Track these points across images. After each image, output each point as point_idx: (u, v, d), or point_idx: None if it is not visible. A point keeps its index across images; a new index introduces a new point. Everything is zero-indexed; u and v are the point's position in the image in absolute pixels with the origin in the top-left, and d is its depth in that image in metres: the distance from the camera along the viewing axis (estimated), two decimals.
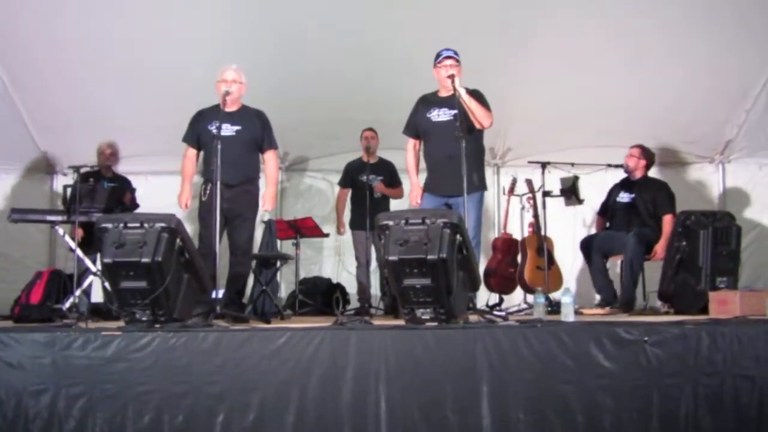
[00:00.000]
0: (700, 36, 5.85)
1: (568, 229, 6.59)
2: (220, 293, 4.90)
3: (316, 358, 3.49)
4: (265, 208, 5.27)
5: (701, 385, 3.38)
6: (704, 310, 4.72)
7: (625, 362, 3.39)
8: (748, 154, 6.92)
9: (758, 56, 6.02)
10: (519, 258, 6.28)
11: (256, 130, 5.20)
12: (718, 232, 4.98)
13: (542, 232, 6.10)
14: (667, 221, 5.74)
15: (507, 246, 6.36)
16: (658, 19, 5.74)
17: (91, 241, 5.54)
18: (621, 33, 5.86)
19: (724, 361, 3.39)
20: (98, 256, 5.00)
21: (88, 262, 5.51)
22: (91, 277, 5.55)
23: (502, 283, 6.29)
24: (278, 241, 6.46)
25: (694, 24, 5.76)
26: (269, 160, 5.30)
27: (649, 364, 3.39)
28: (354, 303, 6.63)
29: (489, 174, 7.16)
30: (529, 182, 6.30)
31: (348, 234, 6.73)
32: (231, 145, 4.93)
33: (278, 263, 5.91)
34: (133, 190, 6.32)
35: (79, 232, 5.59)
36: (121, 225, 3.88)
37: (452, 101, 4.93)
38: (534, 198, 6.24)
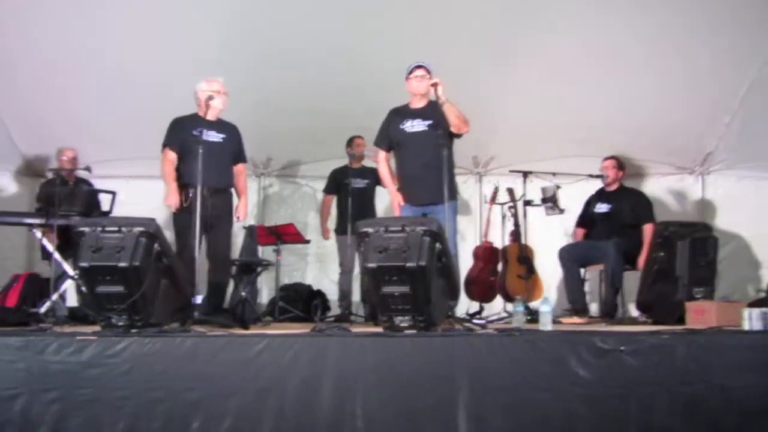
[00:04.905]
0: (680, 48, 5.88)
1: (549, 239, 6.59)
2: (200, 299, 4.88)
3: (293, 365, 3.47)
4: (241, 218, 5.37)
5: (677, 395, 3.40)
6: (681, 320, 4.73)
7: (602, 371, 3.40)
8: (727, 166, 6.98)
9: (737, 69, 6.07)
10: (500, 266, 6.29)
11: (236, 142, 5.34)
12: (695, 243, 5.00)
13: (523, 241, 6.12)
14: (648, 230, 5.79)
15: (488, 254, 6.39)
16: (638, 31, 5.77)
17: (70, 245, 5.49)
18: (602, 45, 5.89)
19: (699, 370, 3.42)
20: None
21: (65, 266, 5.46)
22: (68, 281, 5.50)
23: (483, 291, 6.31)
24: (259, 248, 6.45)
25: (673, 36, 5.79)
26: (242, 173, 5.45)
27: (625, 374, 3.41)
28: (335, 310, 6.61)
29: (471, 182, 7.28)
30: (510, 191, 6.33)
31: (331, 240, 6.73)
32: (217, 151, 5.07)
33: (258, 269, 5.89)
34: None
35: (53, 237, 5.53)
36: (99, 229, 3.85)
37: (427, 112, 4.99)
38: (515, 207, 6.26)
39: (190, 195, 4.96)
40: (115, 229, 3.84)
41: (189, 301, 4.47)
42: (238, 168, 5.39)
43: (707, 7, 5.56)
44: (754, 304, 4.29)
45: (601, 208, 6.15)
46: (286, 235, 6.38)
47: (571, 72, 6.08)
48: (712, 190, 7.09)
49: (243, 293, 5.49)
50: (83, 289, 4.85)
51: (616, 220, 6.02)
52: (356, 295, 6.50)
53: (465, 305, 6.37)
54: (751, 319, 3.91)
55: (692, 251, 4.97)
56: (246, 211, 5.41)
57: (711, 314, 4.42)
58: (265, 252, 6.68)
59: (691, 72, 6.08)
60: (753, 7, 5.49)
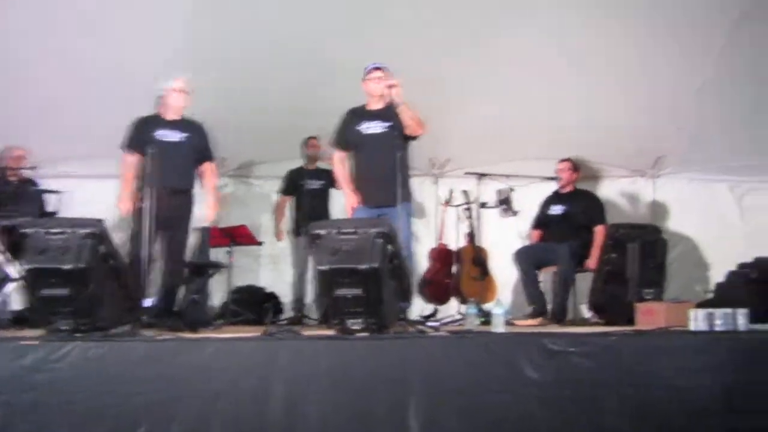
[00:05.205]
0: (635, 51, 5.97)
1: (504, 240, 6.65)
2: (149, 302, 4.81)
3: (244, 370, 3.43)
4: (209, 219, 5.31)
5: (625, 396, 3.43)
6: (632, 321, 4.81)
7: (552, 373, 3.43)
8: (678, 169, 7.12)
9: (689, 74, 6.18)
10: (454, 268, 6.32)
11: (201, 141, 5.27)
12: (645, 245, 5.10)
13: (477, 243, 6.16)
14: (599, 232, 5.86)
15: (443, 256, 6.41)
16: (593, 34, 5.84)
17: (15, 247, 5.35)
18: (557, 47, 5.93)
19: (646, 371, 3.46)
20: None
21: (8, 268, 5.31)
22: (13, 284, 5.35)
23: (438, 293, 6.33)
24: (212, 249, 6.37)
25: (629, 39, 5.87)
26: (209, 171, 5.36)
27: (575, 375, 3.44)
28: (289, 312, 6.56)
29: (427, 184, 7.28)
30: (465, 193, 6.36)
31: (286, 242, 6.69)
32: (179, 151, 5.05)
33: (210, 272, 5.81)
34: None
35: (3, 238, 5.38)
36: (44, 230, 3.75)
37: (385, 114, 4.98)
38: (470, 209, 6.30)
39: (147, 195, 4.88)
40: (60, 230, 3.75)
41: (138, 304, 4.39)
42: (205, 167, 5.32)
43: (660, 10, 5.64)
44: (701, 305, 4.39)
45: (556, 210, 6.23)
46: (239, 236, 6.31)
47: (528, 75, 6.12)
48: (663, 192, 7.22)
49: (194, 296, 5.41)
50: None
51: (571, 222, 6.09)
52: (310, 298, 6.47)
53: (420, 307, 6.39)
54: (696, 320, 3.98)
55: (642, 253, 5.06)
56: (213, 210, 5.30)
57: (660, 315, 4.50)
58: (218, 254, 6.60)
59: (645, 75, 6.17)
60: (704, 8, 5.60)
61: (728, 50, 5.84)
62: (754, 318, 4.06)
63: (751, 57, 5.90)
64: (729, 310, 3.96)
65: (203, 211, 5.28)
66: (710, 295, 5.88)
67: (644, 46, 5.89)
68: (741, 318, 3.95)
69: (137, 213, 4.90)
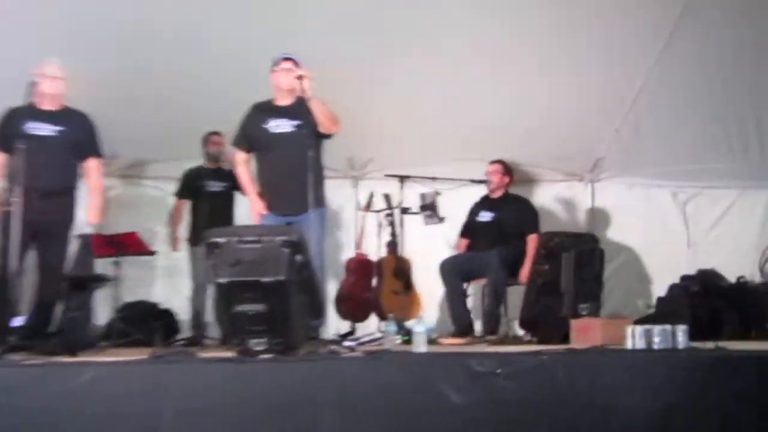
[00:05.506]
0: (569, 50, 6.15)
1: (430, 250, 6.71)
2: (19, 321, 4.66)
3: (127, 398, 3.35)
4: (92, 221, 5.18)
5: (557, 419, 3.52)
6: (567, 338, 4.93)
7: (476, 396, 3.48)
8: (617, 173, 7.37)
9: (627, 73, 6.41)
10: (374, 281, 6.34)
11: (81, 134, 5.12)
12: (581, 255, 5.23)
13: (400, 253, 6.20)
14: (532, 241, 5.98)
15: (361, 268, 6.41)
16: (526, 31, 5.98)
17: None
18: (487, 43, 6.05)
19: (580, 393, 3.56)
20: None
21: None
22: None
23: (356, 309, 6.33)
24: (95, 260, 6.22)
25: (562, 38, 6.04)
26: (94, 169, 5.22)
27: (501, 399, 3.50)
28: (187, 331, 6.45)
29: (346, 187, 7.29)
30: (387, 197, 6.38)
31: (183, 252, 6.58)
32: (52, 147, 4.90)
33: (93, 286, 5.66)
34: None
35: None
36: None
37: (294, 110, 4.97)
38: (392, 215, 6.33)
39: (14, 198, 4.72)
40: None
41: (5, 324, 4.25)
42: (89, 164, 5.18)
43: (596, 7, 5.82)
44: (639, 321, 4.54)
45: (485, 216, 6.33)
46: (128, 245, 6.17)
47: (457, 69, 6.21)
48: (602, 198, 7.46)
49: (74, 314, 5.26)
50: None
51: (500, 229, 6.19)
52: (211, 315, 6.37)
53: (336, 325, 6.38)
54: (633, 337, 4.11)
55: (577, 264, 5.18)
56: (99, 212, 5.19)
57: (596, 332, 4.62)
58: (104, 265, 6.44)
59: (581, 74, 6.36)
60: (642, 7, 5.82)
61: (670, 49, 6.09)
62: (695, 334, 4.24)
63: (693, 56, 6.18)
64: (668, 327, 4.12)
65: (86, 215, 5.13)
66: (651, 310, 6.14)
67: (575, 44, 6.09)
68: (680, 335, 4.11)
69: (4, 218, 4.74)
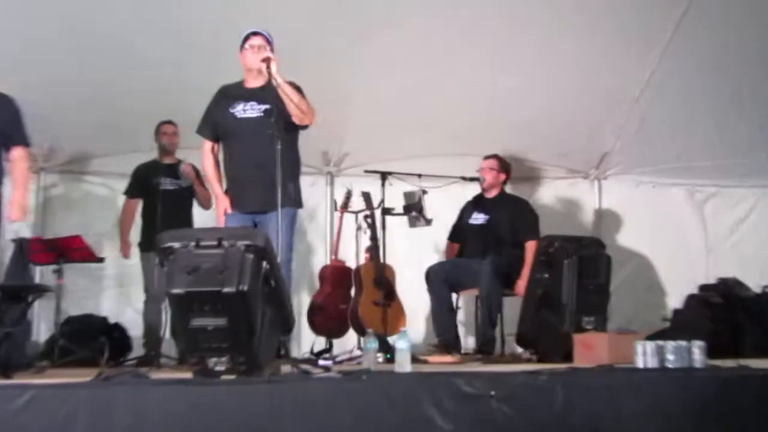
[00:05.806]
0: (573, 39, 6.19)
1: (415, 256, 6.72)
2: None
3: (68, 426, 3.30)
4: (12, 218, 5.06)
5: None
6: (570, 356, 4.92)
7: (466, 422, 3.45)
8: (626, 169, 7.41)
9: (634, 63, 6.46)
10: (353, 291, 6.32)
11: (5, 120, 5.05)
12: (583, 262, 5.22)
13: (381, 259, 6.18)
14: (530, 248, 5.98)
15: (338, 276, 6.40)
16: (525, 18, 6.00)
17: None
18: (480, 29, 6.06)
19: (582, 418, 3.54)
20: None
21: None
22: None
23: (331, 322, 6.31)
24: (34, 268, 6.17)
25: (566, 26, 6.08)
26: (19, 159, 5.13)
27: (494, 424, 3.47)
28: (138, 349, 6.42)
29: (321, 185, 7.28)
30: (366, 196, 6.36)
31: (135, 259, 6.54)
32: None
33: (30, 297, 5.62)
34: None
35: None
36: None
37: (264, 93, 4.92)
38: (372, 216, 6.31)
39: None
40: None
41: None
42: (13, 153, 5.10)
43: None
44: (652, 337, 4.53)
45: (477, 218, 6.34)
46: (71, 250, 6.12)
47: (447, 55, 6.23)
48: (609, 197, 7.50)
49: (8, 329, 5.22)
50: None
51: (494, 233, 6.21)
52: (167, 330, 6.34)
53: (310, 341, 6.36)
54: (645, 355, 4.10)
55: (579, 272, 5.18)
56: (23, 207, 5.07)
57: (602, 349, 4.64)
58: (44, 274, 6.39)
59: (585, 64, 6.40)
60: None
61: (681, 34, 6.13)
62: (714, 351, 4.23)
63: (706, 42, 6.21)
64: (683, 343, 4.10)
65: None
66: (667, 324, 6.13)
67: (583, 35, 6.17)
68: (697, 352, 4.09)
69: None
